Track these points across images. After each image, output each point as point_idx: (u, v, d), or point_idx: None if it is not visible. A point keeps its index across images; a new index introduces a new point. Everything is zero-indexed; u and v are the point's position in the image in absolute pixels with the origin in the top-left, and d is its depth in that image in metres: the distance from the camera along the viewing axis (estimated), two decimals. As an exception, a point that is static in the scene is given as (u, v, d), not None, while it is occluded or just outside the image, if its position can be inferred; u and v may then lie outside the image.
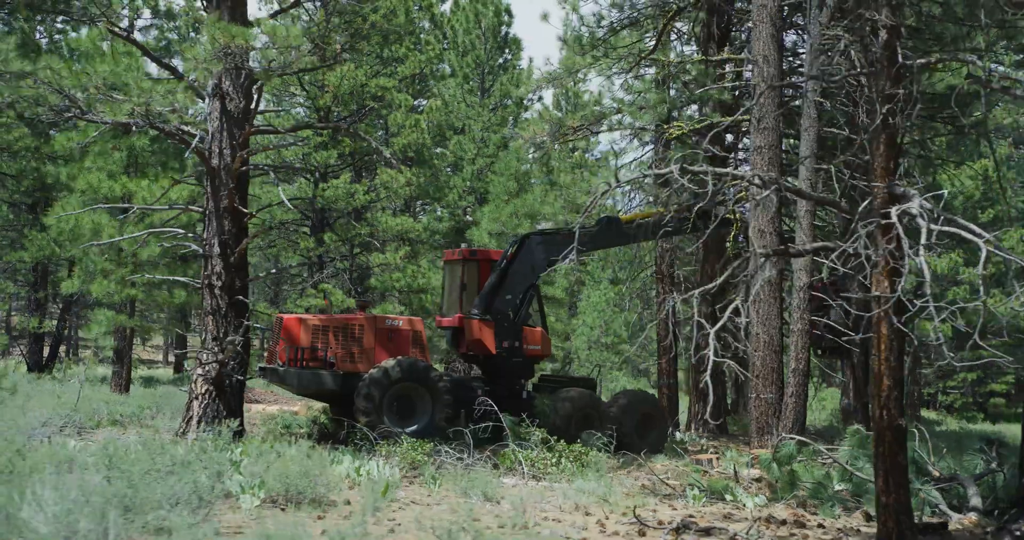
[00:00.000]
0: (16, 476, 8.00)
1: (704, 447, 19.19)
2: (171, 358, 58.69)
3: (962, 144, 21.96)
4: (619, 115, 21.99)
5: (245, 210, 14.00)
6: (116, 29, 13.72)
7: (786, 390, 16.20)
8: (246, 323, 13.83)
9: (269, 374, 15.95)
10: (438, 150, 36.34)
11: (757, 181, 8.08)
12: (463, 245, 22.90)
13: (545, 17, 21.75)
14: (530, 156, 23.77)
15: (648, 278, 22.99)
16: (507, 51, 38.94)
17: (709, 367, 7.70)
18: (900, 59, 7.29)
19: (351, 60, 27.87)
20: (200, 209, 14.19)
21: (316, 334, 16.03)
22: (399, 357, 15.75)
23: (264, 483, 9.30)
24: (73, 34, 25.92)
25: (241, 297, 13.92)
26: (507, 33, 38.92)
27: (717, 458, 15.60)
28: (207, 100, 13.34)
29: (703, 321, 9.48)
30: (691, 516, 9.80)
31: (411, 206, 39.43)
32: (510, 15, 38.90)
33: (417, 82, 35.70)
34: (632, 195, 22.04)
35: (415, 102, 36.13)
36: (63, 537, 6.65)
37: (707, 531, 8.79)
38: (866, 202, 6.96)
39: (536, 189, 27.02)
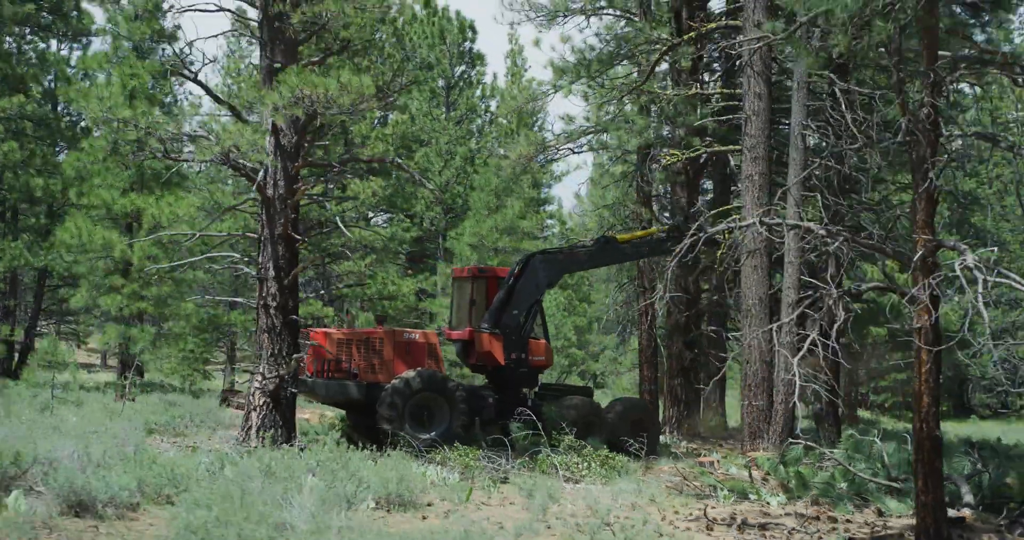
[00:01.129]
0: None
1: (689, 450, 20.75)
2: (112, 362, 59.06)
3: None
4: (603, 135, 23.53)
5: (297, 236, 15.22)
6: (186, 73, 14.81)
7: (775, 398, 17.76)
8: (301, 341, 15.05)
9: (299, 384, 17.17)
10: (400, 160, 37.63)
11: (823, 232, 9.47)
12: (472, 263, 24.12)
13: (537, 43, 23.19)
14: (512, 174, 25.06)
15: (632, 290, 24.46)
16: (471, 65, 40.33)
17: (796, 392, 9.15)
18: (942, 131, 8.81)
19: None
20: (255, 236, 15.36)
21: (341, 347, 17.28)
22: (419, 368, 17.01)
23: (370, 487, 10.59)
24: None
25: (294, 317, 15.14)
26: (471, 48, 40.36)
27: (718, 461, 17.15)
28: (266, 137, 14.51)
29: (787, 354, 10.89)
30: (734, 513, 11.28)
31: (374, 216, 40.59)
32: (474, 31, 40.31)
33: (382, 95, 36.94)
34: (616, 210, 23.44)
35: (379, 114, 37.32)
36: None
37: (764, 526, 10.27)
38: (919, 255, 8.44)
39: (516, 204, 28.43)
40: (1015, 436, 26.01)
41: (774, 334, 17.00)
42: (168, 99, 28.70)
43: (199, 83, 14.55)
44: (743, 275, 18.45)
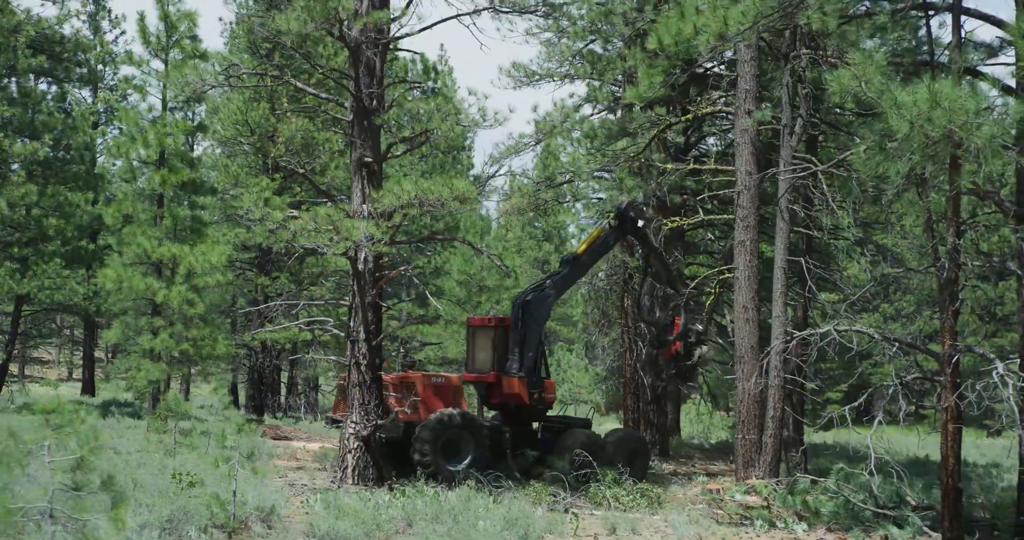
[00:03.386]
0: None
1: (674, 471, 23.85)
2: (76, 374, 60.39)
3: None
4: (595, 192, 26.51)
5: (383, 304, 17.86)
6: (294, 165, 17.36)
7: (765, 432, 20.87)
8: (386, 394, 17.71)
9: (339, 425, 19.85)
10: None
11: (877, 335, 12.49)
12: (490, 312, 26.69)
13: (535, 108, 25.90)
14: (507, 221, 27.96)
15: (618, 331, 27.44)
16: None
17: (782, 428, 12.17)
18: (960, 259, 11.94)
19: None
20: (347, 304, 17.94)
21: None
22: (448, 408, 19.71)
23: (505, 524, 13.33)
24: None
25: (380, 373, 17.78)
26: (433, 87, 42.93)
27: (722, 488, 20.23)
28: (360, 221, 17.09)
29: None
30: (781, 541, 14.32)
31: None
32: (436, 71, 42.81)
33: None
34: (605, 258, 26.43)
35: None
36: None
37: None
38: (946, 354, 11.55)
39: (501, 245, 31.33)
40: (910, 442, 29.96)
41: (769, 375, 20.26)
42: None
43: (308, 179, 17.11)
44: (736, 327, 21.52)
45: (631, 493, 17.62)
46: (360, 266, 17.45)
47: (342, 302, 18.39)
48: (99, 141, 40.53)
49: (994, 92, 11.10)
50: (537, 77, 27.35)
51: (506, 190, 29.16)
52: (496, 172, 24.14)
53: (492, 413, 23.36)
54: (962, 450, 20.47)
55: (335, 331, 18.40)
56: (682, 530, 14.80)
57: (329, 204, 17.38)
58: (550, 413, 22.88)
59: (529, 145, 27.39)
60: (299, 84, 18.27)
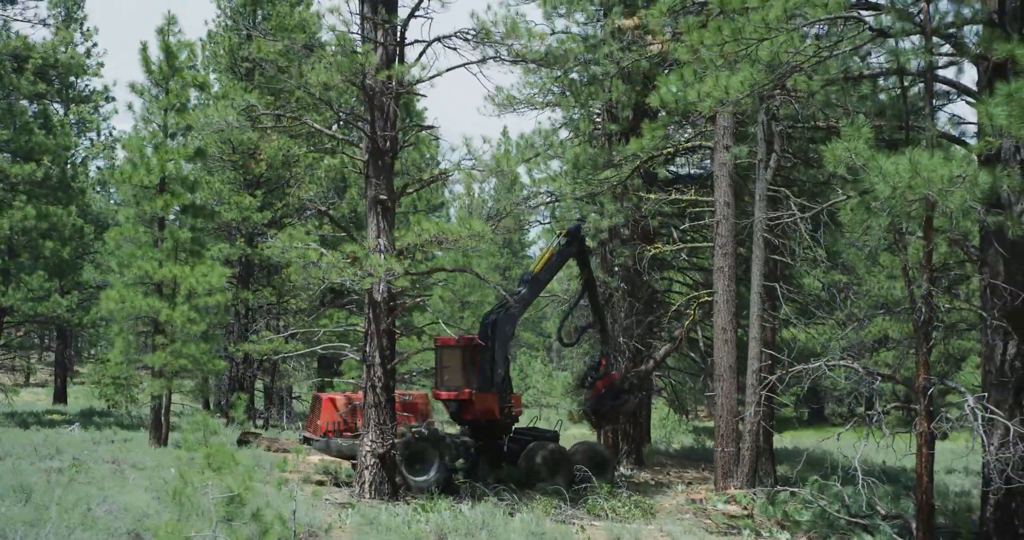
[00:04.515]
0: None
1: (651, 479, 25.44)
2: (33, 379, 61.12)
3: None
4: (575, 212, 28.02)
5: (396, 330, 19.25)
6: (316, 204, 18.69)
7: (743, 445, 22.52)
8: (401, 414, 19.11)
9: (312, 442, 21.34)
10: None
11: (862, 370, 14.13)
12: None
13: (504, 132, 27.40)
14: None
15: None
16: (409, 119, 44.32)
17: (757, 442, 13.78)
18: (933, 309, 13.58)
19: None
20: (363, 330, 19.30)
21: (351, 410, 21.45)
22: (413, 424, 21.10)
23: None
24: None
25: (393, 394, 19.17)
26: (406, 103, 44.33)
27: (704, 498, 21.84)
28: (380, 256, 18.48)
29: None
30: (769, 549, 15.92)
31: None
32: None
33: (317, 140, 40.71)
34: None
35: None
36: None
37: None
38: (930, 389, 13.20)
39: (482, 264, 32.81)
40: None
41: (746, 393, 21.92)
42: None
43: (329, 217, 18.47)
44: (716, 347, 23.14)
45: (626, 505, 19.14)
46: (376, 296, 18.80)
47: (359, 329, 19.66)
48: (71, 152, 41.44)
49: (969, 158, 12.66)
50: (519, 104, 28.86)
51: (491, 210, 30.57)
52: (506, 213, 25.68)
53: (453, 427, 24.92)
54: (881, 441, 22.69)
55: (351, 356, 19.67)
56: (682, 539, 16.34)
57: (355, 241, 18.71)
58: (520, 425, 24.39)
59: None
60: (316, 126, 19.61)
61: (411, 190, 19.74)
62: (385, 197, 18.87)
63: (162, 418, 26.73)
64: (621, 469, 26.66)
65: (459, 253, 34.33)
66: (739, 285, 23.12)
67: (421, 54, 18.63)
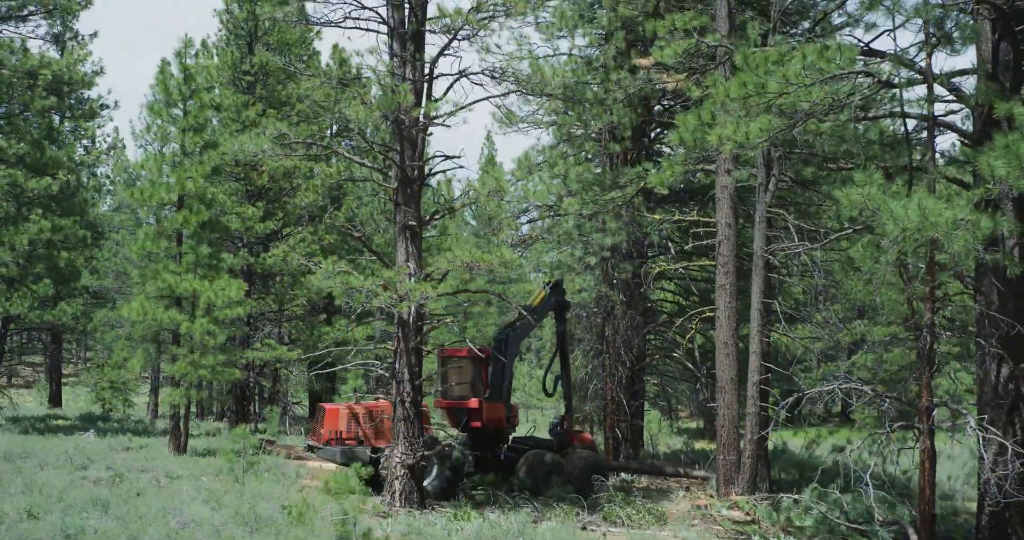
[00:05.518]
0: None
1: (650, 484, 26.73)
2: (19, 380, 61.88)
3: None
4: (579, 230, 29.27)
5: (424, 349, 20.42)
6: (353, 232, 19.83)
7: (744, 453, 23.82)
8: (428, 426, 20.29)
9: (316, 450, 22.53)
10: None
11: (871, 391, 15.43)
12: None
13: (527, 158, 28.69)
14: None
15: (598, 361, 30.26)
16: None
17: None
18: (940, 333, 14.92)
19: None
20: (391, 348, 20.45)
21: (352, 419, 22.63)
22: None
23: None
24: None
25: (420, 409, 20.34)
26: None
27: (708, 504, 23.13)
28: (409, 279, 19.64)
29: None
30: (779, 555, 17.21)
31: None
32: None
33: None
34: (590, 292, 29.24)
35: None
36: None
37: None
38: (932, 410, 14.52)
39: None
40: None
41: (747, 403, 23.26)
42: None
43: (364, 243, 19.64)
44: (718, 361, 24.40)
45: (640, 511, 20.39)
46: (406, 317, 19.97)
47: (387, 346, 20.82)
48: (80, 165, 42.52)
49: (970, 200, 13.92)
50: (522, 123, 30.11)
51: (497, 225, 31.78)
52: (531, 242, 27.09)
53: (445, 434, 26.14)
54: (888, 454, 24.24)
55: (382, 372, 20.80)
56: (698, 546, 17.64)
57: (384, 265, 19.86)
58: (517, 434, 25.62)
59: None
60: (347, 154, 20.78)
61: (439, 217, 20.90)
62: (414, 223, 20.04)
63: (181, 426, 27.78)
64: (622, 475, 27.87)
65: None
66: (738, 300, 24.36)
67: (448, 88, 19.83)
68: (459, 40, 18.87)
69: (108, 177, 60.15)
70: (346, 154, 20.62)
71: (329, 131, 40.24)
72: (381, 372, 20.99)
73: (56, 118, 36.76)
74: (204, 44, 40.87)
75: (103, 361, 49.03)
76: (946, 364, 20.75)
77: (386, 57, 19.72)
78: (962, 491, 25.77)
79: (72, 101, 34.87)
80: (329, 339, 38.96)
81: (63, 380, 58.42)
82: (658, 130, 30.76)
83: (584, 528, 18.81)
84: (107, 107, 40.52)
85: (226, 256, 36.30)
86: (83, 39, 42.48)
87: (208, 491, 18.94)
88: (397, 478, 19.86)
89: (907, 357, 25.35)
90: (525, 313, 22.90)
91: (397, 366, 20.18)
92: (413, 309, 19.69)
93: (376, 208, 42.43)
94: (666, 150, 30.36)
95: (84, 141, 50.78)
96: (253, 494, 18.41)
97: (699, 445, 38.25)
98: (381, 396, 24.72)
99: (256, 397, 39.07)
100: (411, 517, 18.06)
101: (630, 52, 27.55)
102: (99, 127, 51.80)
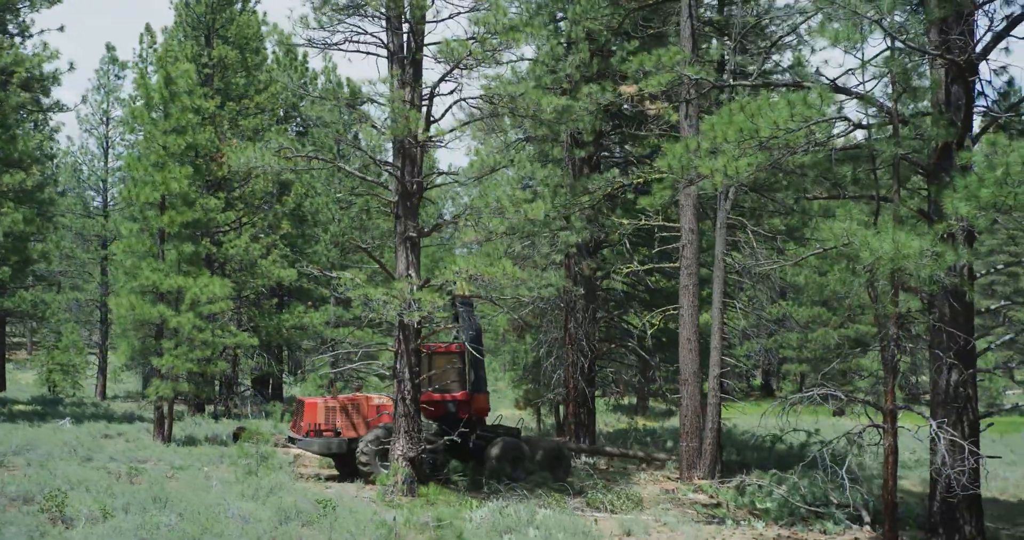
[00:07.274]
0: None
1: (610, 468, 28.80)
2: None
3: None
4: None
5: (423, 350, 22.10)
6: (357, 241, 21.37)
7: (705, 440, 25.96)
8: (427, 422, 22.03)
9: (296, 442, 24.20)
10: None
11: (844, 397, 17.54)
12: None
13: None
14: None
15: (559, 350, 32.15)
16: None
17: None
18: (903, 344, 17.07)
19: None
20: (393, 349, 22.08)
21: (329, 411, 24.31)
22: (383, 424, 23.79)
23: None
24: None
25: (420, 405, 22.05)
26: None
27: (675, 488, 25.22)
28: (411, 287, 21.26)
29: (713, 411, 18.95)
30: (755, 537, 19.29)
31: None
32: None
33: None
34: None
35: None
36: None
37: (784, 547, 18.37)
38: (888, 408, 16.66)
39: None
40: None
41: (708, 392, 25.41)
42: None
43: (371, 256, 21.22)
44: (681, 355, 26.45)
45: (620, 497, 22.36)
46: (406, 320, 21.61)
47: (389, 348, 22.46)
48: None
49: (934, 233, 15.98)
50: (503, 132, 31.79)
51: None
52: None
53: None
54: (820, 429, 26.63)
55: (384, 371, 22.44)
56: (680, 529, 19.56)
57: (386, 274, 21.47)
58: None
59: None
60: (348, 168, 22.27)
61: (436, 230, 22.56)
62: (414, 235, 21.67)
63: (166, 416, 29.13)
64: (584, 458, 29.81)
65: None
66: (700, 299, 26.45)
67: (446, 111, 21.47)
68: (460, 69, 20.41)
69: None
70: (349, 169, 22.06)
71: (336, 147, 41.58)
72: (383, 372, 22.58)
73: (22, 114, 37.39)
74: (150, 33, 41.78)
75: (52, 344, 49.67)
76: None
77: (393, 82, 21.18)
78: (904, 476, 27.92)
79: (39, 95, 35.46)
80: (288, 325, 40.50)
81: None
82: (615, 137, 32.69)
83: (573, 514, 20.65)
84: (66, 109, 41.05)
85: (187, 246, 37.57)
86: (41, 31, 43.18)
87: (226, 483, 20.43)
88: (399, 470, 21.55)
89: (830, 337, 27.79)
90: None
91: (398, 366, 21.82)
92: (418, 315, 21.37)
93: (330, 198, 43.82)
94: (628, 154, 32.22)
95: (56, 134, 51.13)
96: (271, 486, 19.92)
97: (644, 423, 40.21)
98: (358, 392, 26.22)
99: (218, 382, 40.22)
100: (418, 506, 19.72)
101: (593, 62, 29.26)
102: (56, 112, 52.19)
